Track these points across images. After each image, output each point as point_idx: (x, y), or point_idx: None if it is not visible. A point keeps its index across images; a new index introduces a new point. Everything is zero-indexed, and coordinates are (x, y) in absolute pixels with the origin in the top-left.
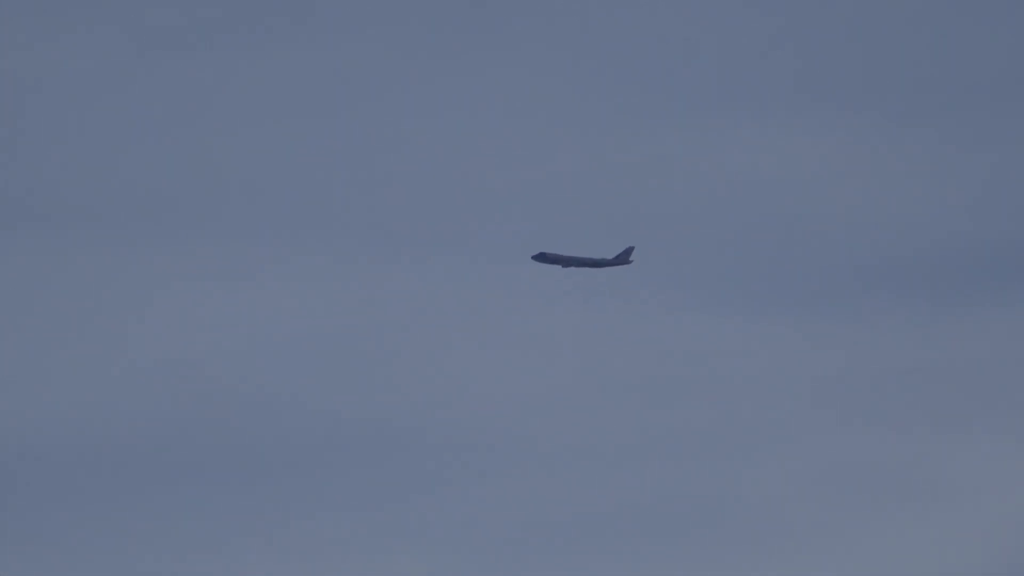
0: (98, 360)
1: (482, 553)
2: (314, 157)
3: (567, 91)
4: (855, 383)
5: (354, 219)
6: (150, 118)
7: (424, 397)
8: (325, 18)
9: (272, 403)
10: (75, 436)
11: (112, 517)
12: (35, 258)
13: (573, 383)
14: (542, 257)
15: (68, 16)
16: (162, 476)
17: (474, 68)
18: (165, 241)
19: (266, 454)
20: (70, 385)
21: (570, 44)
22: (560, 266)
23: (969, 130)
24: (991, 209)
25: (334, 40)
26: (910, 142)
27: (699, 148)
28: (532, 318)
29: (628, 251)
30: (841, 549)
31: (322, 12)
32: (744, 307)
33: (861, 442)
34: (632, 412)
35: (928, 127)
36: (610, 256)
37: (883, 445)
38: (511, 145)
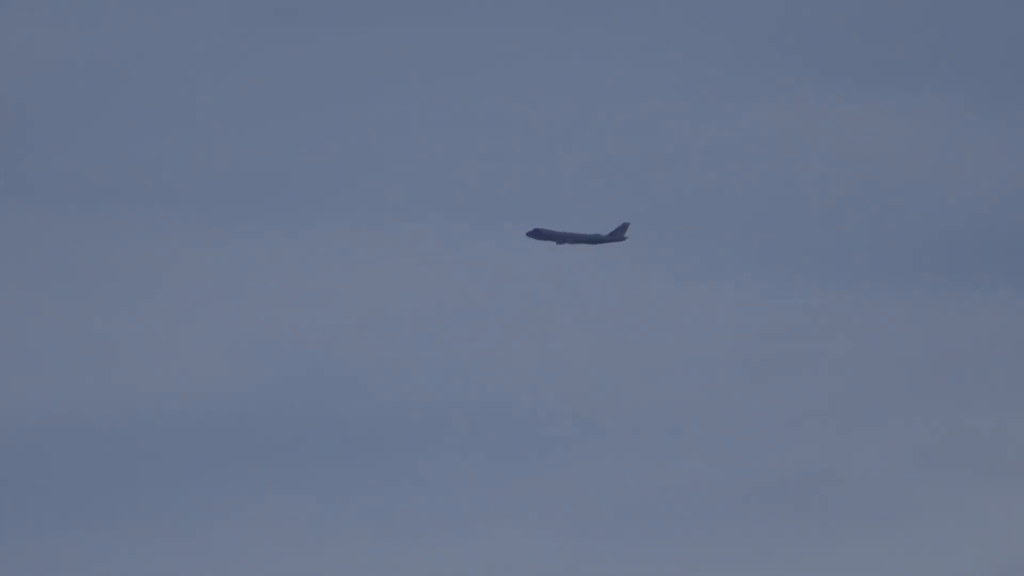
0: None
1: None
2: (306, 139)
3: (564, 66)
4: (869, 359)
5: (347, 196)
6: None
7: (427, 377)
8: None
9: (266, 399)
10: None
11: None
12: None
13: (577, 360)
14: (537, 233)
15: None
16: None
17: (471, 40)
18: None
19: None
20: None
21: (569, 15)
22: (555, 242)
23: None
24: None
25: (330, 19)
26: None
27: (694, 124)
28: (527, 295)
29: (623, 227)
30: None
31: None
32: (735, 282)
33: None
34: (626, 393)
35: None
36: (605, 232)
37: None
38: (506, 122)
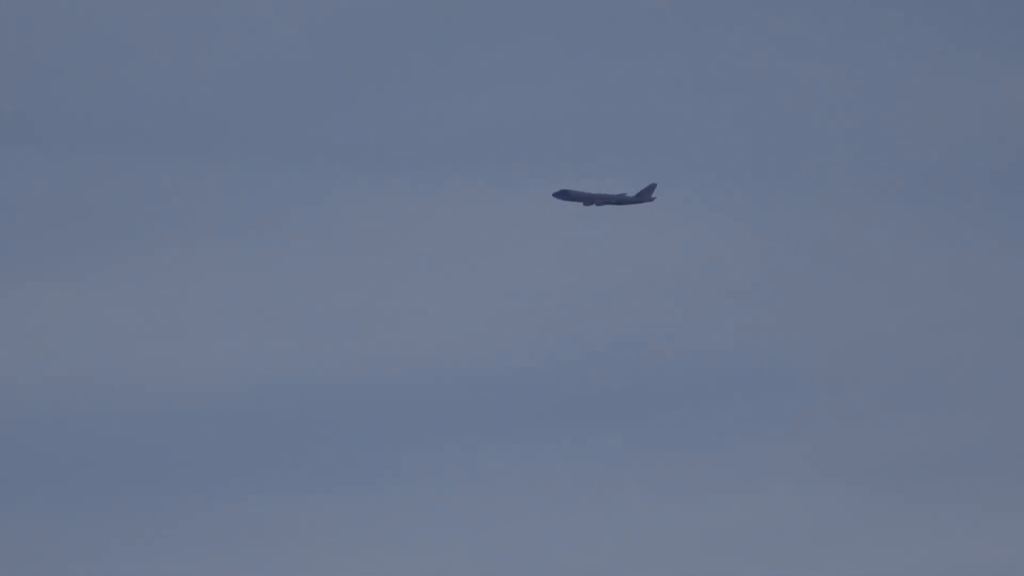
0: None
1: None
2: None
3: (592, 26)
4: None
5: (373, 155)
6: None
7: (454, 342)
8: None
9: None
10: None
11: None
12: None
13: (602, 321)
14: (564, 194)
15: None
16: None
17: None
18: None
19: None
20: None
21: None
22: (582, 203)
23: None
24: None
25: None
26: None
27: (722, 83)
28: (554, 255)
29: (650, 188)
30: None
31: None
32: (761, 242)
33: None
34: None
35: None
36: (632, 193)
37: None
38: (535, 79)
